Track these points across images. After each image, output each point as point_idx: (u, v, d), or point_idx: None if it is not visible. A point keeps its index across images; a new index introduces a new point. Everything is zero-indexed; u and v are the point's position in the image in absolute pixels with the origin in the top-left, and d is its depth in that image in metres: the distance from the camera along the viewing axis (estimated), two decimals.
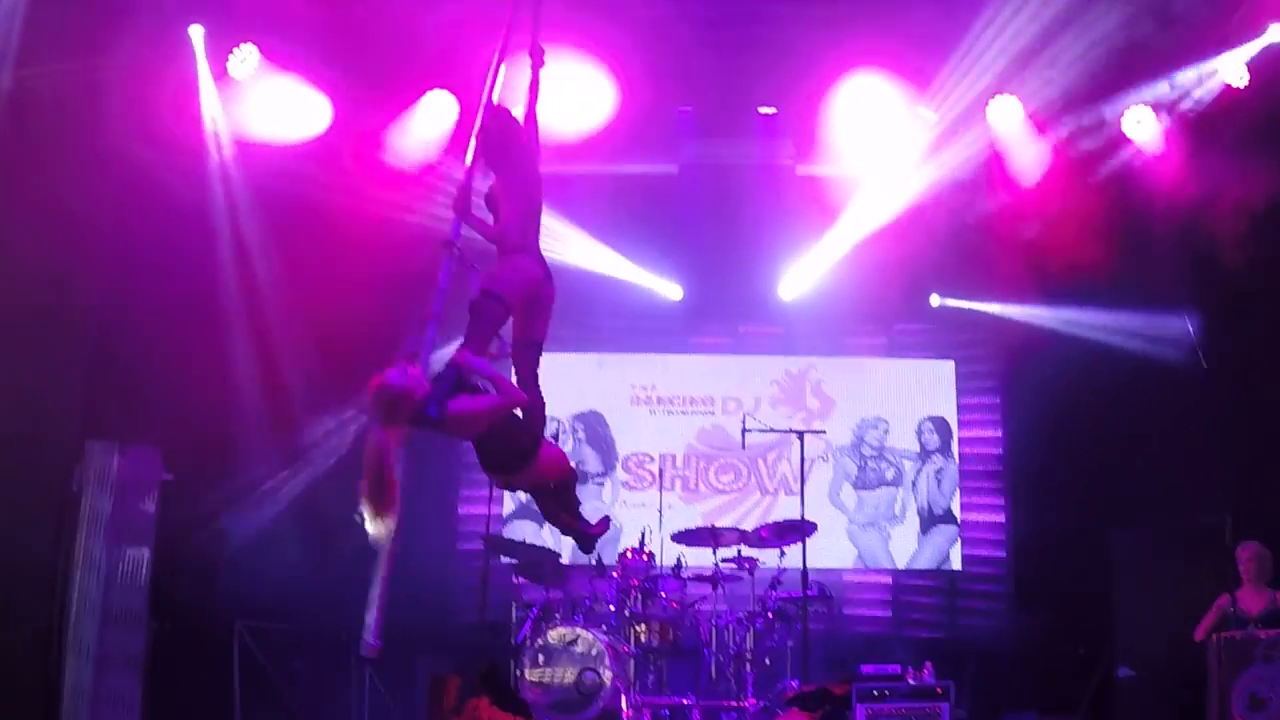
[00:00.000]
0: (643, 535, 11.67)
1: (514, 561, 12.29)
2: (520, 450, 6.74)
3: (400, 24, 11.88)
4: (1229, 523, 11.37)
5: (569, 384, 13.95)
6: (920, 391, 14.64)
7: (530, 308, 7.02)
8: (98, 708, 10.50)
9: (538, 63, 7.60)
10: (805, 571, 11.55)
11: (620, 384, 14.36)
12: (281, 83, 12.37)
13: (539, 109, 7.53)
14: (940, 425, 14.50)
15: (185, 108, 12.10)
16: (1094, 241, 12.36)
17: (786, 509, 13.52)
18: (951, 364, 14.66)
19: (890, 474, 14.42)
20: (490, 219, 7.07)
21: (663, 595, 11.52)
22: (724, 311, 14.69)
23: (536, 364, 7.13)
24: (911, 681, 10.35)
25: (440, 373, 6.42)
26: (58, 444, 11.05)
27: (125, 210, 11.59)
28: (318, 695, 12.27)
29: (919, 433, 14.51)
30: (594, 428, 14.25)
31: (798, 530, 11.71)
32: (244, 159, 12.38)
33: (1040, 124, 12.55)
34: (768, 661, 11.48)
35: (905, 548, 14.28)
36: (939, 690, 10.21)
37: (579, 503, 7.28)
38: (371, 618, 6.24)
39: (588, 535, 7.28)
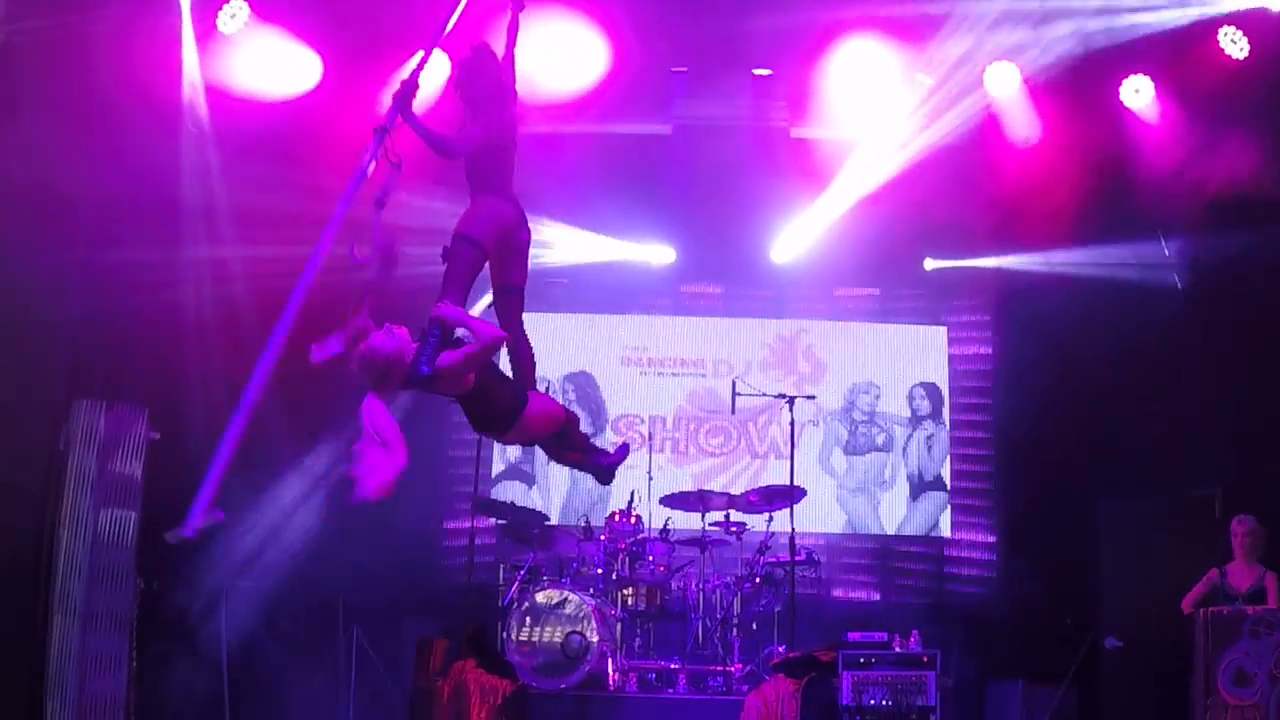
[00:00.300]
0: (631, 498, 11.69)
1: (501, 523, 12.26)
2: (507, 408, 6.69)
3: None
4: (1219, 496, 11.29)
5: (560, 344, 14.07)
6: (912, 357, 14.62)
7: (506, 252, 6.99)
8: (85, 666, 10.49)
9: (518, 5, 7.52)
10: (793, 536, 11.57)
11: (611, 345, 14.31)
12: (271, 38, 12.19)
13: (517, 53, 7.44)
14: (932, 391, 14.48)
15: (170, 64, 11.96)
16: (1084, 194, 12.48)
17: (776, 473, 13.57)
18: (944, 330, 14.65)
19: (881, 439, 14.40)
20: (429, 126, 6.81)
21: (650, 559, 11.51)
22: (716, 273, 14.69)
23: (520, 310, 7.12)
24: (898, 649, 10.38)
25: (425, 330, 6.33)
26: (43, 403, 10.96)
27: (108, 167, 11.45)
28: (304, 655, 12.21)
29: (910, 398, 14.49)
30: (584, 388, 14.21)
31: (786, 495, 11.76)
32: (231, 115, 12.21)
33: (1036, 90, 12.43)
34: (754, 626, 11.54)
35: (895, 514, 14.28)
36: (925, 659, 10.24)
37: (587, 438, 7.32)
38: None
39: (604, 466, 7.22)
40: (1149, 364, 12.62)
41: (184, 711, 11.38)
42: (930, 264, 14.50)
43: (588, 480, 13.73)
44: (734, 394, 12.50)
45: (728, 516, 11.78)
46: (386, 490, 6.08)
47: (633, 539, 11.49)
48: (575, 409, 13.71)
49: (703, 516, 11.75)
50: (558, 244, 13.76)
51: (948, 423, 14.44)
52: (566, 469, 13.63)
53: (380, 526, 12.18)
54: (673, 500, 11.80)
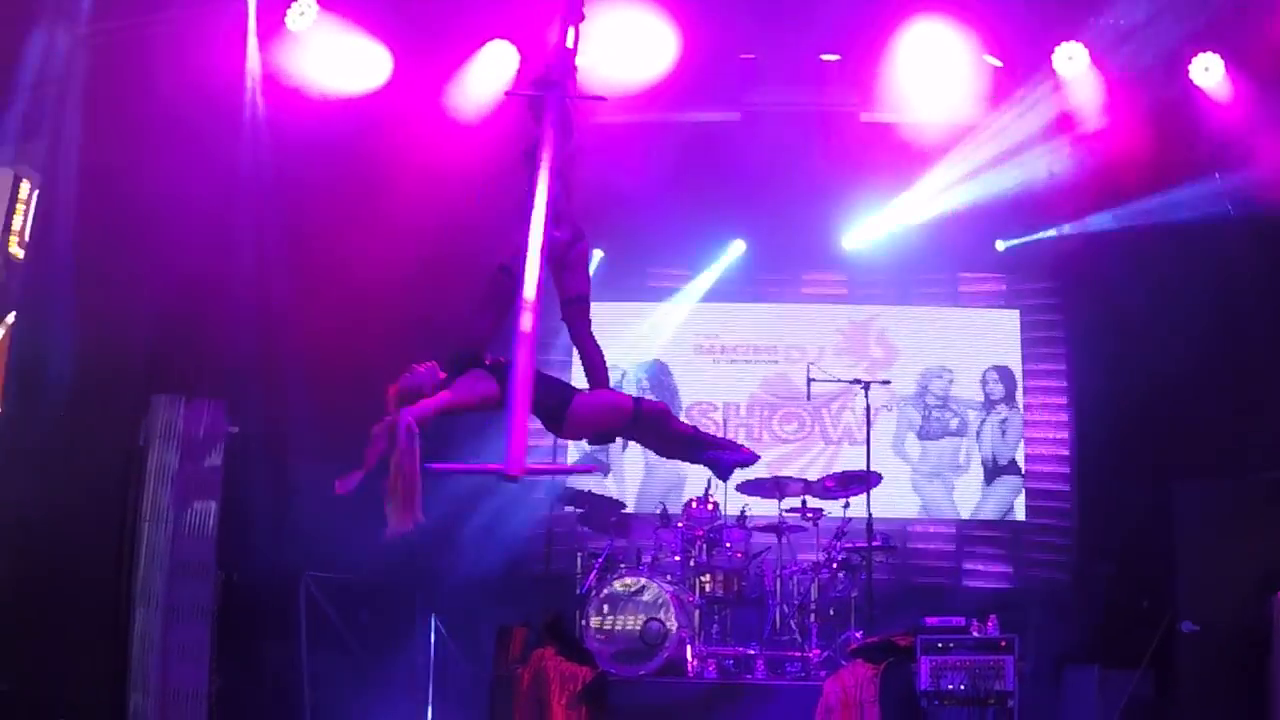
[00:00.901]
0: (708, 485, 11.69)
1: (579, 511, 12.29)
2: (548, 409, 6.87)
3: None
4: None
5: (633, 334, 14.13)
6: (985, 341, 14.57)
7: (563, 266, 7.11)
8: (167, 657, 10.64)
9: (577, 19, 7.49)
10: (870, 522, 11.55)
11: (684, 333, 14.36)
12: (341, 35, 12.28)
13: (578, 68, 7.47)
14: (1005, 375, 14.42)
15: (237, 63, 12.09)
16: (1152, 165, 12.44)
17: (850, 459, 13.49)
18: (1017, 313, 14.56)
19: (954, 424, 14.36)
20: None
21: (727, 545, 11.53)
22: (787, 260, 14.67)
23: (585, 318, 7.21)
24: (976, 634, 10.30)
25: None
26: (124, 398, 11.17)
27: (182, 166, 11.51)
28: (383, 645, 12.35)
29: (983, 382, 14.44)
30: (658, 377, 14.25)
31: (863, 481, 11.73)
32: (301, 113, 12.30)
33: (1106, 70, 12.35)
34: (831, 612, 11.51)
35: (969, 498, 14.23)
36: (1003, 643, 10.16)
37: (690, 429, 7.44)
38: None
39: (722, 463, 7.30)
40: (1225, 343, 12.49)
41: (264, 701, 11.54)
42: (1001, 245, 14.41)
43: (662, 468, 13.89)
44: (809, 380, 12.47)
45: (804, 502, 11.75)
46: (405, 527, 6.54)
47: (710, 525, 11.51)
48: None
49: (779, 502, 11.72)
50: (629, 233, 13.80)
51: (1021, 406, 14.35)
52: (640, 457, 13.83)
53: (455, 517, 12.40)
54: (749, 487, 11.70)
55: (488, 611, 12.91)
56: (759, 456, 7.46)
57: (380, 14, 12.29)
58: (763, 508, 12.02)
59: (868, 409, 12.11)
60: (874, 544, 11.69)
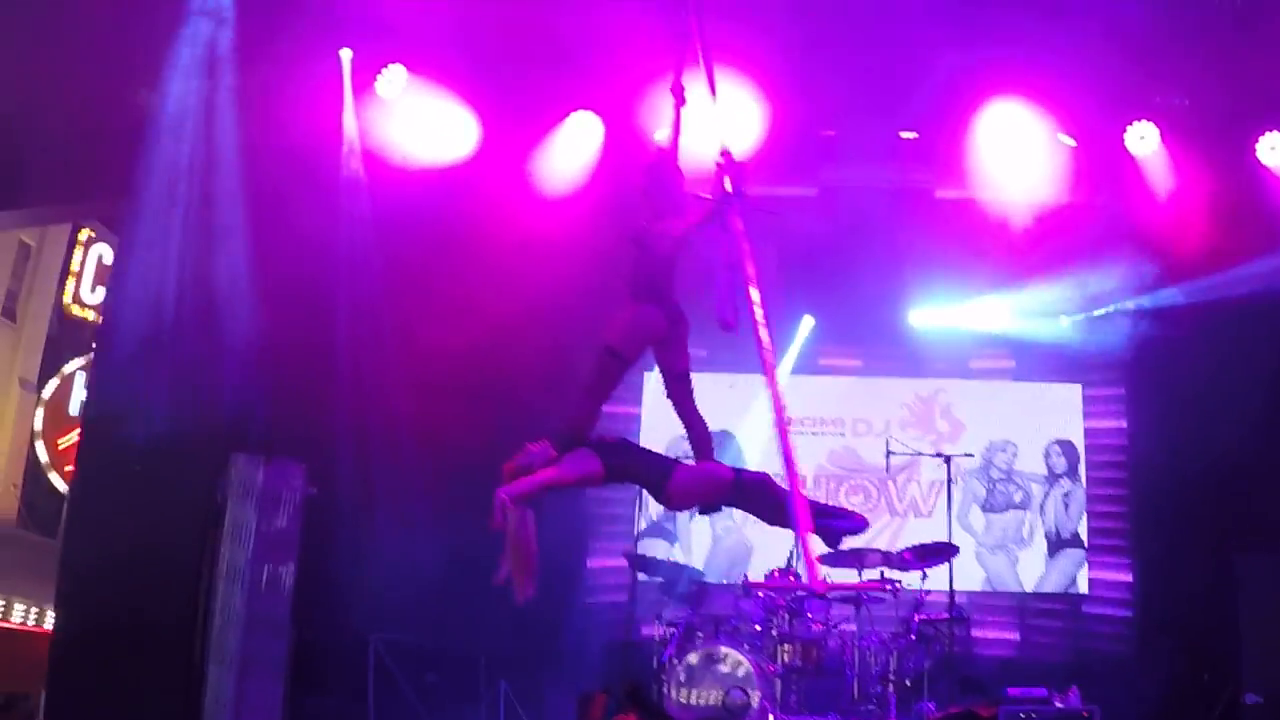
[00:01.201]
0: (790, 556, 11.68)
1: (657, 580, 12.33)
2: (654, 480, 7.16)
3: (547, 42, 12.08)
4: None
5: (700, 404, 14.05)
6: (1048, 415, 14.62)
7: (665, 346, 7.28)
8: (241, 712, 10.74)
9: (680, 102, 7.72)
10: (953, 594, 11.62)
11: (751, 405, 14.23)
12: (429, 101, 12.51)
13: (680, 150, 7.65)
14: (1068, 448, 14.48)
15: (332, 130, 12.30)
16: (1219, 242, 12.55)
17: (917, 531, 13.62)
18: (1079, 387, 14.64)
19: (1018, 497, 14.42)
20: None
21: (808, 615, 11.55)
22: (854, 334, 14.72)
23: (688, 392, 7.42)
24: (1059, 705, 10.38)
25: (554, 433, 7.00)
26: (203, 456, 11.33)
27: (273, 229, 11.84)
28: (449, 710, 12.42)
29: (1046, 455, 14.50)
30: (723, 447, 14.29)
31: (940, 553, 11.77)
32: (391, 181, 12.54)
33: (1175, 148, 12.62)
34: (908, 683, 11.41)
35: (1033, 571, 14.26)
36: (1086, 714, 10.25)
37: (783, 499, 7.19)
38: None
39: (832, 530, 7.31)
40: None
41: None
42: (1065, 320, 14.47)
43: (729, 538, 13.97)
44: (888, 453, 12.61)
45: (882, 574, 11.73)
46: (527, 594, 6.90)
47: (792, 596, 11.51)
48: None
49: (859, 573, 11.72)
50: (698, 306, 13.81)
51: (1084, 480, 14.41)
52: (708, 528, 13.90)
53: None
54: (829, 558, 11.49)
55: (549, 676, 12.95)
56: (869, 523, 7.54)
57: (467, 82, 12.50)
58: (841, 578, 11.93)
59: (949, 481, 12.21)
60: (947, 616, 11.73)
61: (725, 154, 7.34)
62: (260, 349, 11.63)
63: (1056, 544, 14.33)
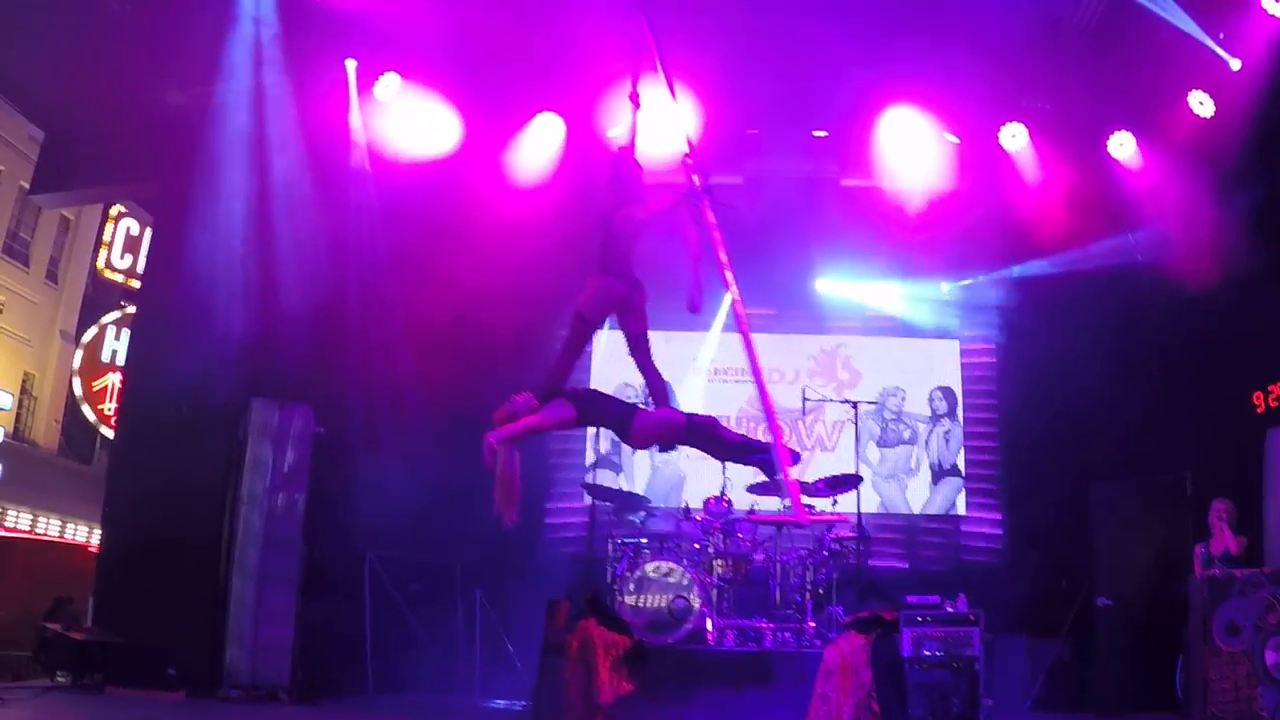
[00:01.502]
0: (723, 486, 11.60)
1: (610, 505, 12.18)
2: (614, 422, 7.19)
3: (518, 53, 12.05)
4: (1190, 478, 11.40)
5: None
6: (931, 365, 14.68)
7: (625, 311, 7.31)
8: (260, 617, 10.88)
9: (636, 105, 7.79)
10: (860, 516, 11.58)
11: (683, 358, 14.15)
12: (419, 103, 12.27)
13: (638, 146, 7.72)
14: (948, 394, 14.56)
15: (338, 127, 12.09)
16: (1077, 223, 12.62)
17: (823, 463, 13.65)
18: (956, 343, 14.70)
19: (907, 434, 14.46)
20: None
21: (739, 535, 11.48)
22: (771, 298, 14.45)
23: (646, 349, 7.45)
24: (950, 609, 10.38)
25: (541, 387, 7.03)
26: (227, 401, 11.33)
27: (287, 211, 11.76)
28: (433, 613, 12.45)
29: (930, 400, 14.56)
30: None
31: (848, 482, 11.73)
32: (388, 172, 12.40)
33: (1042, 145, 12.66)
34: (821, 592, 11.42)
35: (920, 496, 14.34)
36: (972, 617, 10.23)
37: (740, 437, 7.50)
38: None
39: (769, 463, 7.28)
40: (1128, 366, 12.65)
41: (335, 656, 11.56)
42: (945, 286, 14.56)
43: (666, 469, 13.89)
44: (804, 400, 12.54)
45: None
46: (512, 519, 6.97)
47: (725, 519, 11.44)
48: None
49: (781, 501, 11.60)
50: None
51: (961, 420, 14.48)
52: (647, 460, 13.78)
53: (490, 504, 12.26)
54: (756, 488, 11.57)
55: (514, 588, 13.05)
56: (800, 456, 7.46)
57: (451, 85, 12.31)
58: (766, 504, 11.99)
59: (856, 423, 12.16)
60: (852, 535, 11.71)
61: (690, 153, 7.33)
62: (276, 311, 11.56)
63: (939, 474, 14.42)
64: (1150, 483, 11.88)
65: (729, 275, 7.28)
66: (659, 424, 7.18)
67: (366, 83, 12.13)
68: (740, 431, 7.82)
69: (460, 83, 12.27)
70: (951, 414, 14.53)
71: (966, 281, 14.42)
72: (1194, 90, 11.78)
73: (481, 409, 12.18)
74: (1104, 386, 12.75)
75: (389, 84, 11.95)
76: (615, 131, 12.10)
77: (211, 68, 11.73)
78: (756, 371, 7.36)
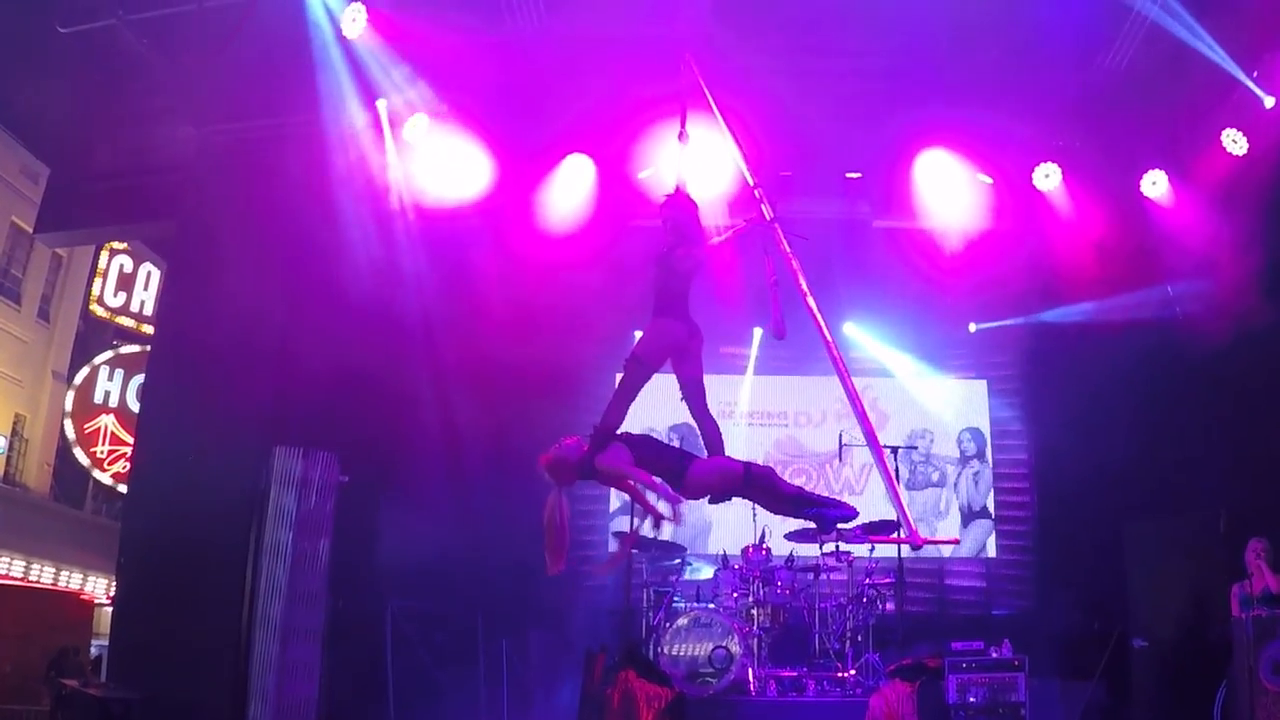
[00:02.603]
0: (762, 533, 11.62)
1: (642, 553, 12.13)
2: (672, 471, 6.89)
3: (552, 87, 11.96)
4: (1223, 516, 11.34)
5: (668, 401, 13.88)
6: (959, 406, 14.75)
7: (682, 356, 7.19)
8: (284, 673, 10.55)
9: (684, 140, 7.90)
10: (901, 563, 11.59)
11: (711, 401, 14.08)
12: (448, 143, 12.20)
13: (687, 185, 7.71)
14: (976, 435, 14.65)
15: (368, 169, 12.01)
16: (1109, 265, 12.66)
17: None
18: (985, 383, 14.78)
19: (935, 476, 14.54)
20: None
21: (778, 584, 11.51)
22: (797, 339, 14.38)
23: (701, 395, 7.30)
24: (994, 655, 10.40)
25: (593, 433, 6.81)
26: (248, 448, 11.08)
27: (308, 257, 11.69)
28: (457, 664, 12.31)
29: (959, 442, 14.65)
30: (687, 437, 14.11)
31: (884, 528, 11.56)
32: (415, 212, 12.31)
33: (1074, 185, 12.70)
34: (860, 638, 11.45)
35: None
36: (1016, 663, 10.29)
37: (795, 489, 7.23)
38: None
39: (826, 518, 7.13)
40: (1160, 404, 12.72)
41: (359, 709, 11.51)
42: (974, 327, 14.61)
43: (691, 515, 13.83)
44: (840, 444, 12.56)
45: (837, 546, 11.74)
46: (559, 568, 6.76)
47: (765, 567, 11.47)
48: None
49: (820, 547, 11.73)
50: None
51: (990, 461, 14.53)
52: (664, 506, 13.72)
53: (514, 552, 12.25)
54: (795, 535, 11.75)
55: (535, 637, 12.86)
56: (858, 511, 7.43)
57: (481, 127, 12.25)
58: (804, 551, 12.04)
59: (896, 468, 12.12)
60: (886, 580, 11.80)
61: (759, 186, 7.47)
62: (299, 356, 11.38)
63: (969, 516, 14.49)
64: (1184, 521, 11.85)
65: (812, 303, 7.26)
66: (716, 473, 7.02)
67: (396, 123, 12.03)
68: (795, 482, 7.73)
69: (490, 125, 12.23)
70: (981, 455, 14.61)
71: (995, 324, 14.47)
72: (1228, 129, 11.82)
73: (507, 457, 12.35)
74: (1135, 425, 12.81)
75: (417, 125, 11.86)
76: (646, 174, 12.20)
77: (233, 104, 11.72)
78: (853, 395, 7.26)
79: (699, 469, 6.95)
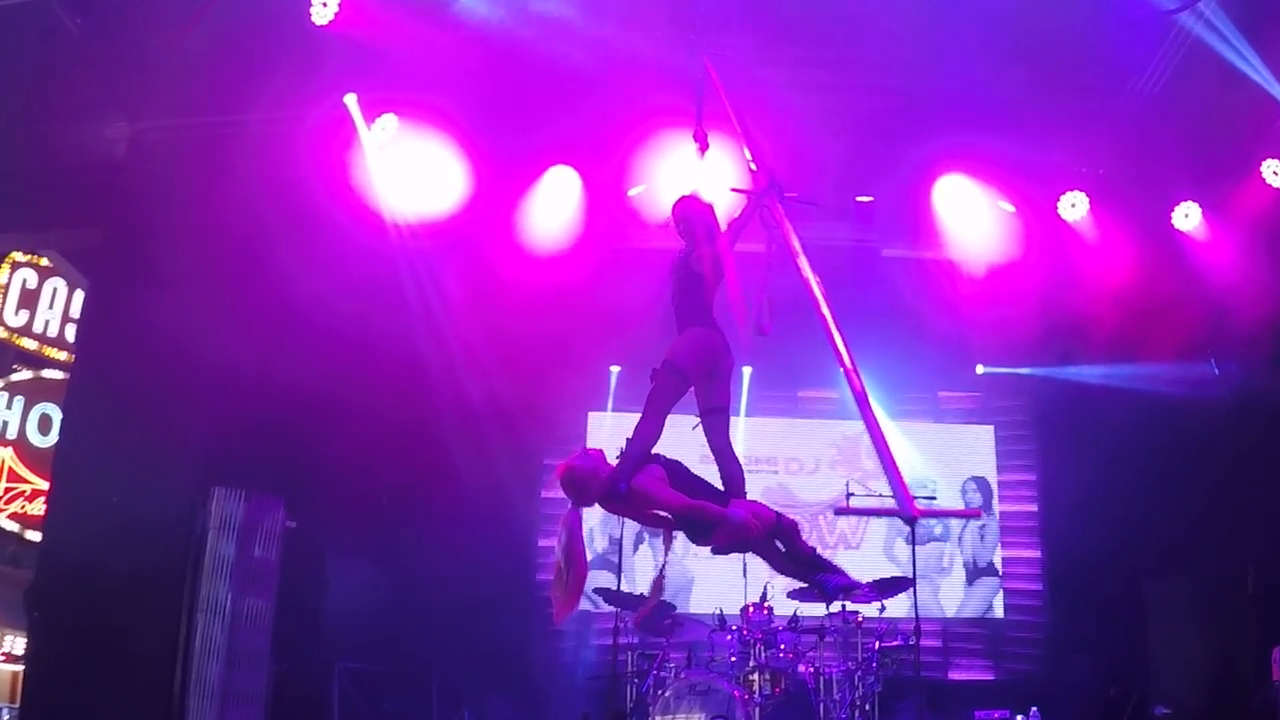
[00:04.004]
0: (764, 591, 11.09)
1: (624, 611, 11.49)
2: (711, 519, 6.36)
3: (536, 90, 11.37)
4: (1251, 573, 11.23)
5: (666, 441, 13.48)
6: (963, 454, 14.39)
7: (711, 376, 6.73)
8: None
9: (703, 148, 7.61)
10: (918, 624, 11.03)
11: (690, 444, 13.59)
12: (421, 148, 11.56)
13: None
14: (982, 485, 14.31)
15: (328, 175, 11.31)
16: (1138, 313, 12.32)
17: (848, 564, 12.64)
18: (991, 428, 14.45)
19: (938, 530, 14.16)
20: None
21: (781, 647, 10.99)
22: (788, 378, 14.20)
23: (725, 426, 6.83)
24: None
25: (623, 450, 6.35)
26: (183, 490, 10.46)
27: (260, 278, 10.95)
28: None
29: (963, 492, 14.28)
30: None
31: (895, 586, 11.27)
32: (379, 227, 11.67)
33: (1101, 216, 12.40)
34: (868, 707, 10.94)
35: (953, 598, 13.98)
36: None
37: (810, 551, 6.79)
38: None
39: (830, 587, 6.79)
40: (1182, 454, 12.43)
41: None
42: (981, 369, 14.29)
43: (671, 569, 13.26)
44: (848, 494, 12.18)
45: (844, 607, 11.22)
46: (569, 612, 6.24)
47: (766, 629, 10.94)
48: None
49: (827, 606, 11.14)
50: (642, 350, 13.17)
51: (997, 513, 14.21)
52: (650, 560, 13.27)
53: (476, 607, 12.21)
54: (798, 593, 11.13)
55: (495, 702, 12.49)
56: (861, 585, 7.24)
57: (458, 131, 11.65)
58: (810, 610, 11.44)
59: (913, 534, 11.47)
60: (895, 644, 11.25)
61: (756, 160, 7.19)
62: (243, 388, 10.76)
63: (974, 573, 14.11)
64: (1209, 580, 11.68)
65: (815, 284, 6.81)
66: (752, 517, 6.43)
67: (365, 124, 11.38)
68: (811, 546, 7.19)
69: (466, 128, 11.63)
70: (986, 507, 14.23)
71: (1006, 370, 14.20)
72: (1269, 159, 11.63)
73: (472, 502, 11.86)
74: (1156, 476, 12.54)
75: (386, 127, 11.18)
76: (638, 191, 11.76)
77: (175, 97, 10.91)
78: (868, 414, 6.76)
79: (736, 510, 6.40)
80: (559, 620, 6.37)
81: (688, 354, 6.61)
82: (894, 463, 6.42)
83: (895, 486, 6.68)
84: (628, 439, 6.47)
